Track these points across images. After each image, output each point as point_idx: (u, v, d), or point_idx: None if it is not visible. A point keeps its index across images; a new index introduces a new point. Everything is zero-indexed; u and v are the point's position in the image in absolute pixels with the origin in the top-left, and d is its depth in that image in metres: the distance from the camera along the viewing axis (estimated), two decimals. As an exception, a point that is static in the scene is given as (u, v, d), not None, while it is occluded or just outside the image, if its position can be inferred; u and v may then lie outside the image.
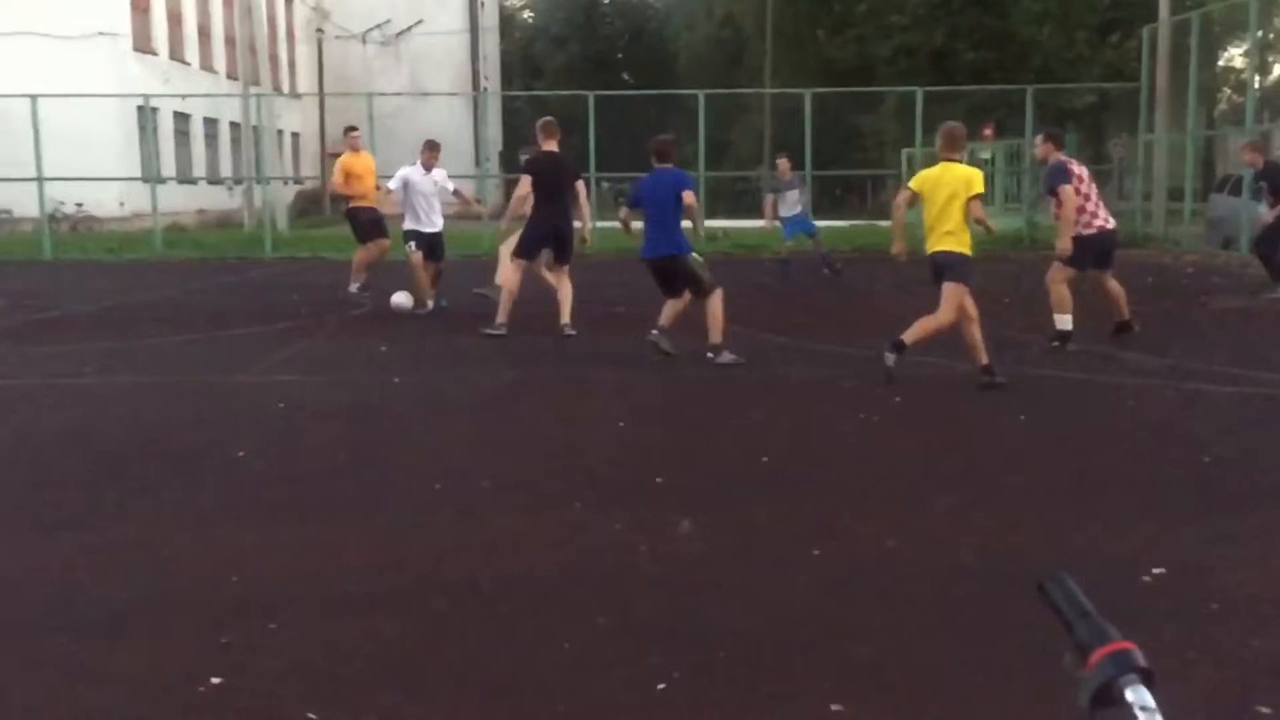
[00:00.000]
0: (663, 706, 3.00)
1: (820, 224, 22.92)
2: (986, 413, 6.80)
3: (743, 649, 3.34)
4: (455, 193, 11.92)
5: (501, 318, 9.74)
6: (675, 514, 4.63)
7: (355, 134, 12.92)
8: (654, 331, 8.49)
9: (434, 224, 11.58)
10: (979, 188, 7.35)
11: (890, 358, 7.40)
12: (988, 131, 28.53)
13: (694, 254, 8.56)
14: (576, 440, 6.11)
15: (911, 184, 7.69)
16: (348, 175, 12.44)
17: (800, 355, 8.50)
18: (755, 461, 5.56)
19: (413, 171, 11.51)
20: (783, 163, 16.08)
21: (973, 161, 28.22)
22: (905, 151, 27.85)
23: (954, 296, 7.28)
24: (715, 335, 8.32)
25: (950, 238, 7.27)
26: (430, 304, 11.52)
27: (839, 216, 30.82)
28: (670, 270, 8.56)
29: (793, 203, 15.45)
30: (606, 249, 20.76)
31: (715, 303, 8.38)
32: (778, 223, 15.87)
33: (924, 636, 3.45)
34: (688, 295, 8.54)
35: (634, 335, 9.80)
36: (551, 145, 10.02)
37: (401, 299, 11.43)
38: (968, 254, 7.36)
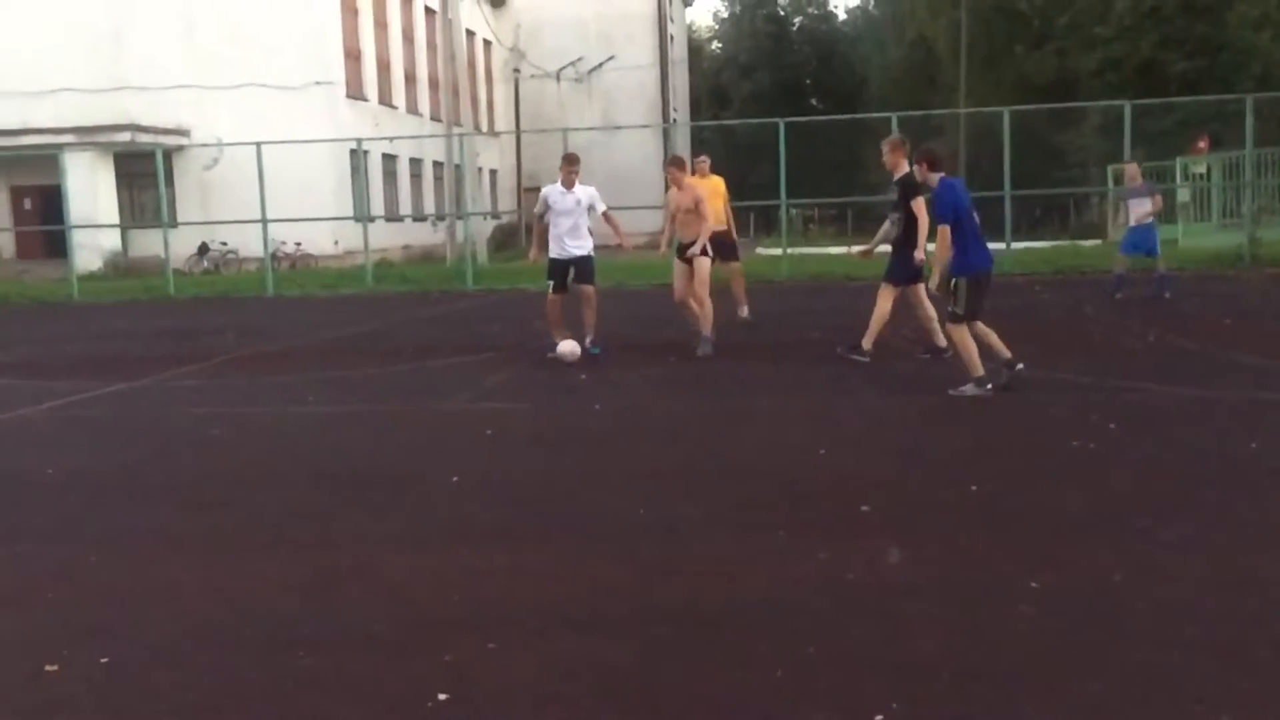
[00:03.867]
0: (881, 738, 2.95)
1: (1019, 245, 22.22)
2: (1212, 441, 6.43)
3: (961, 682, 3.26)
4: (605, 216, 10.62)
5: (867, 343, 9.47)
6: (882, 542, 4.57)
7: (701, 160, 13.01)
8: (1011, 370, 7.96)
9: (576, 249, 10.39)
10: None
11: None
12: (1202, 144, 27.09)
13: None
14: (778, 467, 6.09)
15: None
16: None
17: (1013, 381, 8.18)
18: (964, 490, 5.41)
19: (552, 190, 10.45)
20: (1131, 168, 14.95)
21: (1186, 176, 26.95)
22: (1111, 168, 26.69)
23: None
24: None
25: None
26: (563, 345, 10.13)
27: (1038, 238, 29.79)
28: (991, 280, 8.13)
29: (1141, 213, 14.39)
30: (800, 274, 20.69)
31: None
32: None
33: (1155, 675, 3.28)
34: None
35: (829, 361, 9.72)
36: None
37: (567, 348, 10.11)
38: None
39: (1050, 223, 39.45)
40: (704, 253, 10.63)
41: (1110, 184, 27.41)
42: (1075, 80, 35.68)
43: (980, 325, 8.04)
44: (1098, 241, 26.35)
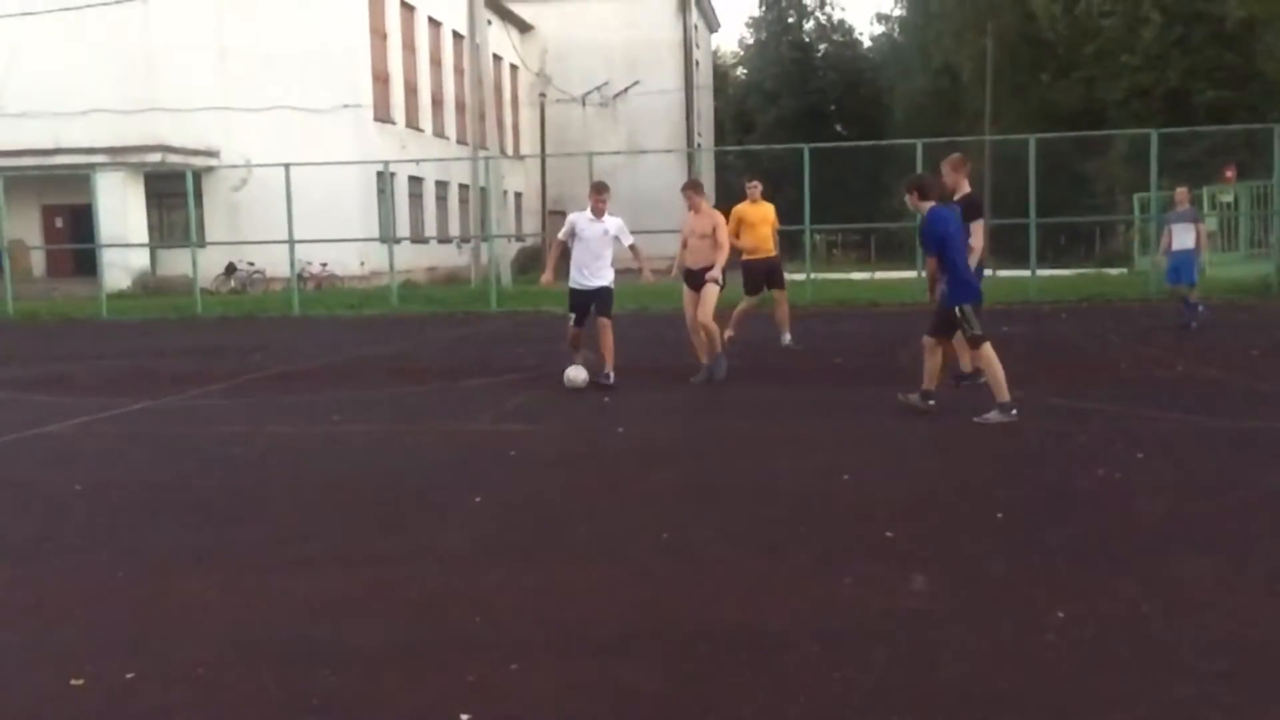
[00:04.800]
0: (905, 766, 2.93)
1: (1044, 273, 22.14)
2: (1239, 471, 6.37)
3: (985, 711, 3.23)
4: (631, 247, 10.27)
5: (965, 365, 9.13)
6: (907, 569, 4.54)
7: (753, 185, 12.84)
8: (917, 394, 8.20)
9: (598, 278, 10.10)
10: None
11: None
12: (1229, 173, 26.97)
13: None
14: (801, 492, 6.07)
15: None
16: (739, 223, 12.37)
17: (1039, 409, 8.15)
18: (989, 517, 5.38)
19: (580, 218, 10.21)
20: (1181, 191, 14.80)
21: (1214, 205, 26.84)
22: (1137, 196, 26.59)
23: None
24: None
25: None
26: (571, 370, 10.11)
27: (1063, 265, 29.68)
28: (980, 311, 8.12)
29: (1185, 237, 14.23)
30: (824, 300, 20.68)
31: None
32: (1162, 259, 14.90)
33: (1182, 707, 3.24)
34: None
35: (855, 386, 9.70)
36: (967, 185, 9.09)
37: (577, 374, 10.02)
38: None
39: (1075, 250, 39.32)
40: (716, 281, 10.30)
41: (1137, 211, 27.28)
42: (1102, 108, 35.63)
43: (943, 347, 8.21)
44: (1123, 270, 26.23)
